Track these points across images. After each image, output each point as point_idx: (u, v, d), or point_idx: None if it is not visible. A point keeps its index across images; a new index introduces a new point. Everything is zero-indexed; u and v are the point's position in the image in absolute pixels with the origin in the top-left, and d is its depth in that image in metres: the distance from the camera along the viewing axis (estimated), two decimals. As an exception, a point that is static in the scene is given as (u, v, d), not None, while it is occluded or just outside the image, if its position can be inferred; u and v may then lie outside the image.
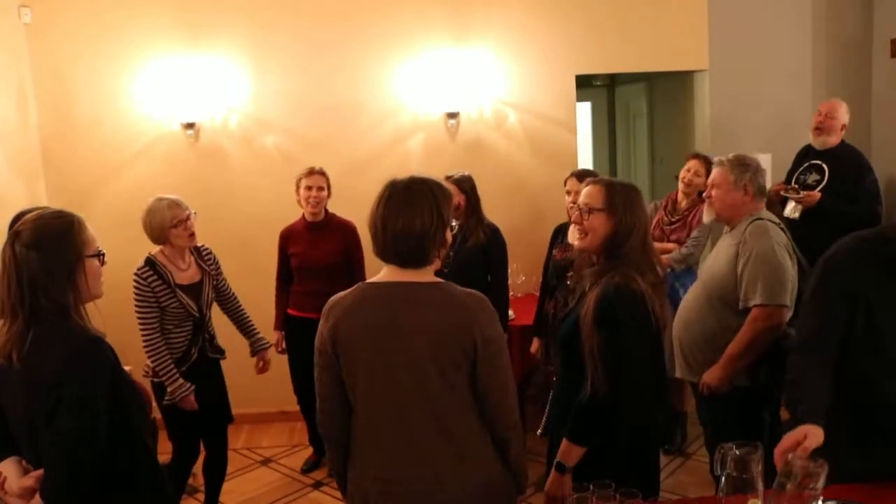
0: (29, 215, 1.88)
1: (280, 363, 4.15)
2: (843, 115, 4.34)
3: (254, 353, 3.60)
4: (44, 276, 1.79)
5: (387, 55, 4.73)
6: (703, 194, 3.03)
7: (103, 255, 1.94)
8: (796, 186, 4.30)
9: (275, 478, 4.21)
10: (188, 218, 3.21)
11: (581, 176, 3.65)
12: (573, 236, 3.57)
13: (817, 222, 4.04)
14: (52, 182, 4.65)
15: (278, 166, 4.62)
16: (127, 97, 4.66)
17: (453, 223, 2.04)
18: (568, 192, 3.70)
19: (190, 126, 4.65)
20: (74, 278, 1.84)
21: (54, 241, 1.83)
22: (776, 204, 4.40)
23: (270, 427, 4.83)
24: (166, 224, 3.16)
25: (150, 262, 3.18)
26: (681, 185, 4.14)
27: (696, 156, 4.17)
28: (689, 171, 4.10)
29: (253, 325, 3.61)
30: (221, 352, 3.44)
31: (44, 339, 1.78)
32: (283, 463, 4.39)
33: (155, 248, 3.25)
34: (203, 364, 3.29)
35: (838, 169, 4.25)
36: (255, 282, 4.28)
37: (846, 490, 1.93)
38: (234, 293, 3.57)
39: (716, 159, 3.02)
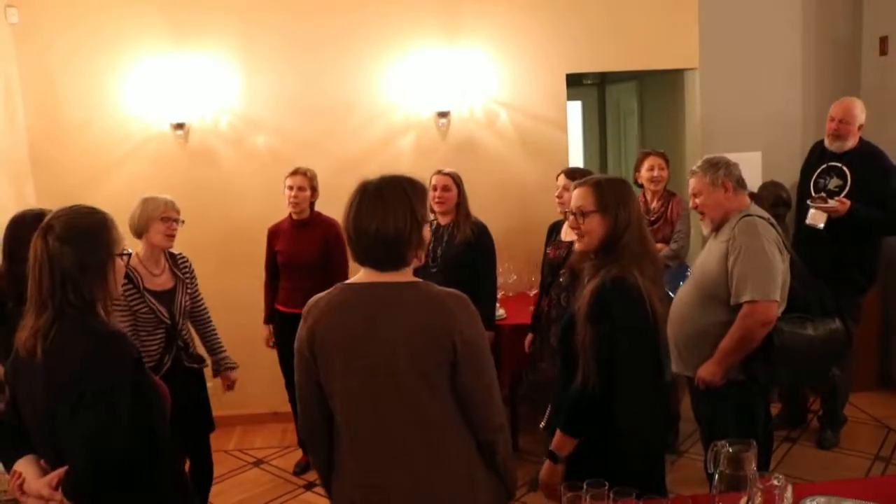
0: (61, 209, 1.88)
1: (271, 364, 4.15)
2: (860, 115, 4.00)
3: (217, 372, 3.48)
4: (76, 271, 1.80)
5: (378, 54, 4.72)
6: (690, 207, 3.11)
7: (130, 255, 1.95)
8: (824, 195, 3.95)
9: (267, 479, 4.19)
10: (175, 220, 3.18)
11: (571, 174, 3.67)
12: (567, 233, 3.62)
13: (841, 230, 3.84)
14: (41, 183, 4.61)
15: (269, 166, 4.60)
16: (116, 98, 4.63)
17: (431, 218, 2.00)
18: (557, 188, 3.74)
19: (179, 126, 4.62)
20: (104, 275, 1.86)
21: (90, 236, 1.84)
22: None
23: (262, 428, 4.82)
24: (156, 214, 3.11)
25: None
26: (650, 186, 4.23)
27: (651, 153, 4.28)
28: (652, 169, 4.21)
29: (220, 342, 3.48)
30: (200, 360, 3.33)
31: (67, 333, 1.78)
32: (275, 464, 4.37)
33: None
34: (178, 373, 3.16)
35: (861, 172, 3.96)
36: (244, 282, 4.26)
37: (829, 486, 1.93)
38: (206, 307, 3.45)
39: (689, 171, 3.09)
